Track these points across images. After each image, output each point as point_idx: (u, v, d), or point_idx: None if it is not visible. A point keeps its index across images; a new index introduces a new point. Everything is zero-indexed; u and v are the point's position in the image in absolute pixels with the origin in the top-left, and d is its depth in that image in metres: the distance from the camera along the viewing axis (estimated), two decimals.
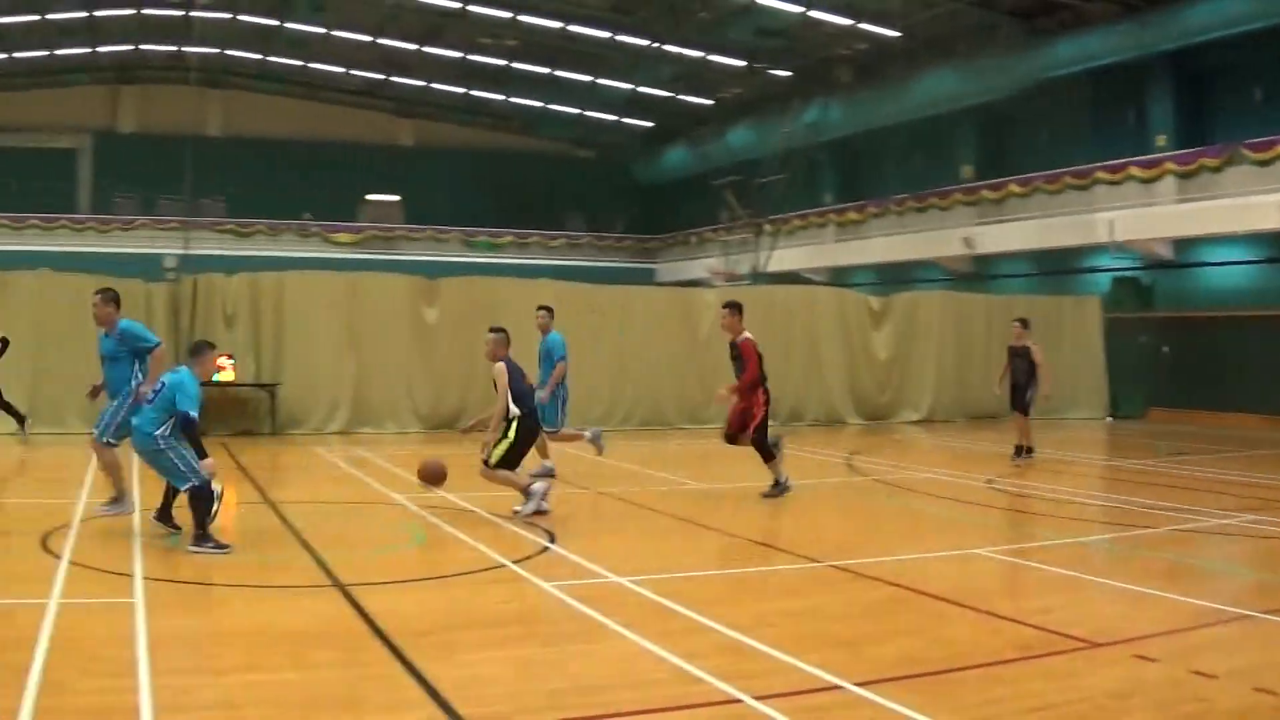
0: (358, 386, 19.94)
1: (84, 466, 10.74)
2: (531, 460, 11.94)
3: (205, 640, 6.51)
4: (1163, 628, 6.98)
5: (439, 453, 13.10)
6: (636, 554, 9.38)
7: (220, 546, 8.81)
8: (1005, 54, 32.40)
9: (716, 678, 5.68)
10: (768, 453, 12.37)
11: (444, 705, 5.29)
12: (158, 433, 8.99)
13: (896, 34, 36.00)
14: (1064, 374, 22.31)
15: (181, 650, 6.21)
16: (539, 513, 10.57)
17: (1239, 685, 5.78)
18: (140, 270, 26.15)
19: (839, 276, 39.37)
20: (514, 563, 8.57)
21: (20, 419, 17.30)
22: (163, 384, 9.19)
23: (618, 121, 51.79)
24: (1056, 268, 31.74)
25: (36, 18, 41.03)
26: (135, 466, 10.96)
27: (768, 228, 40.28)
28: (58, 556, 8.41)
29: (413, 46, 44.54)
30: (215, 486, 9.03)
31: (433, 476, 10.59)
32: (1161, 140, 29.03)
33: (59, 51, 45.39)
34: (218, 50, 45.69)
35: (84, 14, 41.52)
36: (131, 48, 46.49)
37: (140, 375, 9.95)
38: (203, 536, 8.82)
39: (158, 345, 10.21)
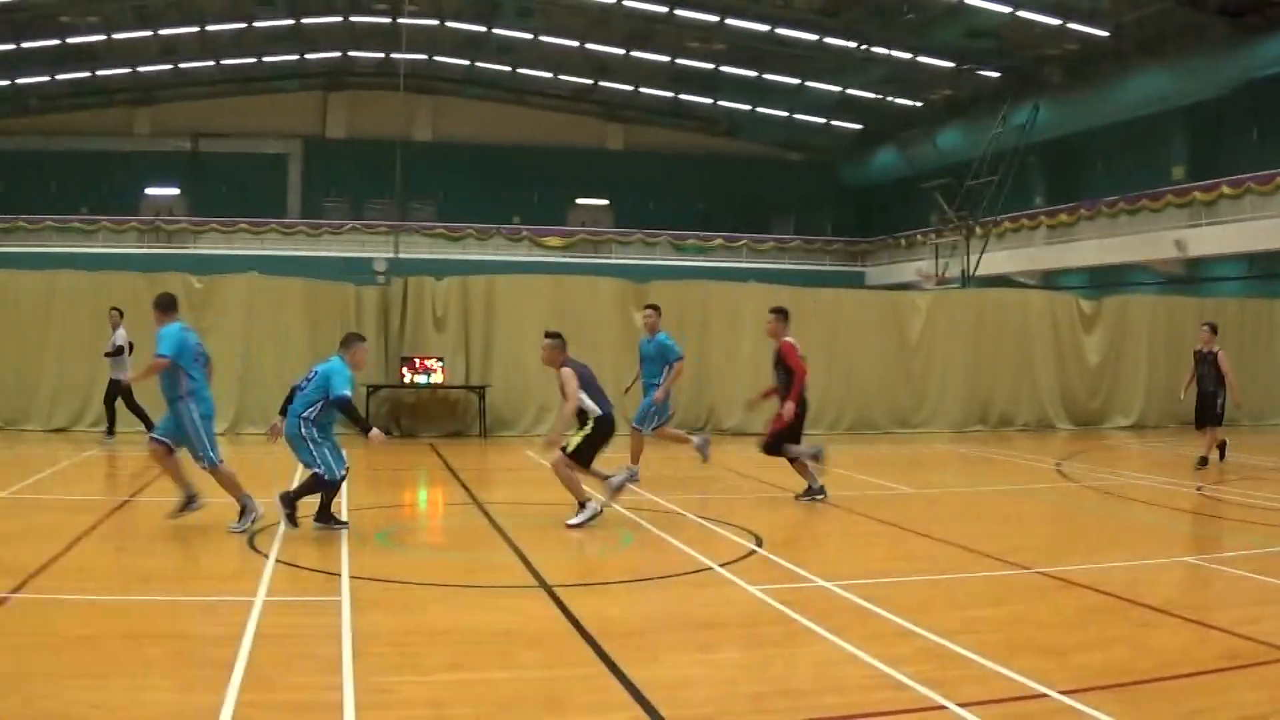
0: None
1: (291, 466, 10.97)
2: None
3: (411, 639, 6.47)
4: None
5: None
6: (842, 558, 9.53)
7: (338, 522, 9.60)
8: (1215, 53, 31.97)
9: (920, 684, 5.58)
10: (782, 455, 11.78)
11: (648, 707, 5.24)
12: (304, 414, 9.44)
13: (1105, 34, 35.53)
14: (1278, 377, 22.86)
15: (387, 648, 6.18)
16: (595, 515, 10.09)
17: None
18: (349, 273, 27.11)
19: (1049, 280, 38.66)
20: (720, 566, 8.47)
21: (112, 426, 16.78)
22: (315, 371, 9.66)
23: (826, 124, 51.27)
24: (1270, 270, 30.24)
25: (244, 25, 43.02)
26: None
27: (978, 230, 39.54)
28: (265, 555, 8.57)
29: (620, 51, 45.01)
30: (340, 475, 9.53)
31: None
32: None
33: (268, 59, 47.33)
34: (425, 56, 47.09)
35: (290, 21, 43.26)
36: (340, 54, 48.31)
37: None
38: (294, 501, 9.45)
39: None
